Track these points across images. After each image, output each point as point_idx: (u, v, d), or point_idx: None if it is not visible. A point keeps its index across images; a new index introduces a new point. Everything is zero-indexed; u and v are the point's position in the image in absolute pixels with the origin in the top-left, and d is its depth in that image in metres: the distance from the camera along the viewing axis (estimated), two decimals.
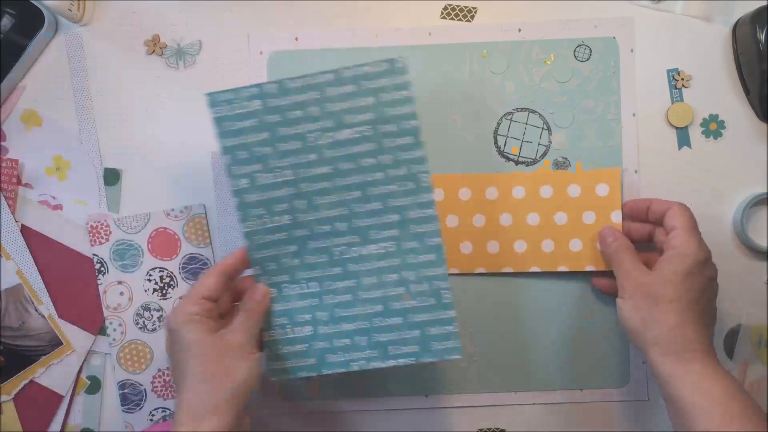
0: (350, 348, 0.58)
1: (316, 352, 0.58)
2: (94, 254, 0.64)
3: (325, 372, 0.58)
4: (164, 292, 0.65)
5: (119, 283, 0.65)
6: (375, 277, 0.58)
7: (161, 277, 0.65)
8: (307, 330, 0.58)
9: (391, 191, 0.57)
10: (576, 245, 0.63)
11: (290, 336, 0.58)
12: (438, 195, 0.64)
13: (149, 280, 0.65)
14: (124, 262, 0.65)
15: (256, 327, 0.56)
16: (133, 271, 0.65)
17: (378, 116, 0.56)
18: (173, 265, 0.65)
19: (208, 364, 0.52)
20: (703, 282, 0.55)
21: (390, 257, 0.58)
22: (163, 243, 0.65)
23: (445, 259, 0.57)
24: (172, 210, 0.65)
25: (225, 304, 0.58)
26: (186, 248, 0.65)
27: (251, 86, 0.56)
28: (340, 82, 0.56)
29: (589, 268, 0.63)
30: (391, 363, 0.58)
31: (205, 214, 0.65)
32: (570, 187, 0.63)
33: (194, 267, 0.65)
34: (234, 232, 0.65)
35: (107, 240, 0.64)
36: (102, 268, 0.65)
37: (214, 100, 0.57)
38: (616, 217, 0.63)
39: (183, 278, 0.65)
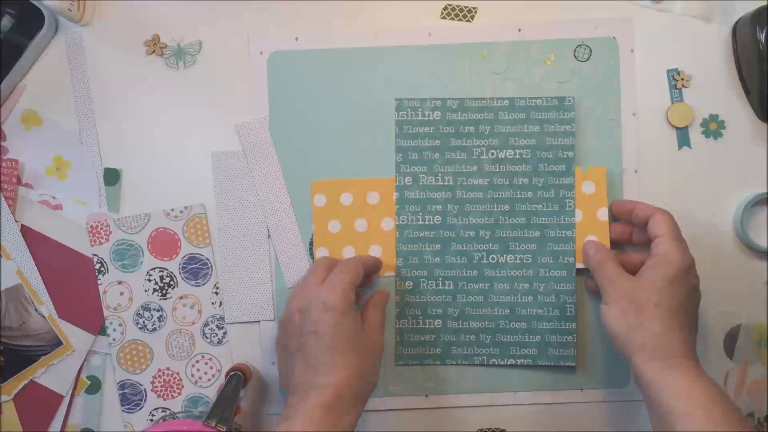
0: (474, 344, 0.64)
1: (442, 344, 0.64)
2: (94, 254, 0.64)
3: (448, 362, 0.64)
4: (164, 292, 0.65)
5: (119, 283, 0.65)
6: (507, 284, 0.64)
7: (161, 277, 0.65)
8: (437, 323, 0.64)
9: (536, 210, 0.63)
10: None
11: (421, 326, 0.64)
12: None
13: (149, 280, 0.65)
14: (124, 262, 0.65)
15: None
16: (133, 271, 0.65)
17: (539, 143, 0.63)
18: (173, 265, 0.65)
19: (363, 360, 0.55)
20: (688, 289, 0.56)
21: (525, 268, 0.63)
22: (163, 243, 0.65)
23: (575, 277, 0.63)
24: (172, 210, 0.65)
25: None
26: (186, 248, 0.65)
27: (436, 98, 0.64)
28: (513, 109, 0.63)
29: (579, 265, 0.63)
30: (510, 362, 0.64)
31: (205, 214, 0.65)
32: None
33: (194, 267, 0.65)
34: (235, 232, 0.65)
35: (107, 240, 0.64)
36: (102, 268, 0.65)
37: (401, 104, 0.64)
38: (603, 214, 0.63)
39: (183, 278, 0.65)
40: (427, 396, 0.65)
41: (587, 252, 0.61)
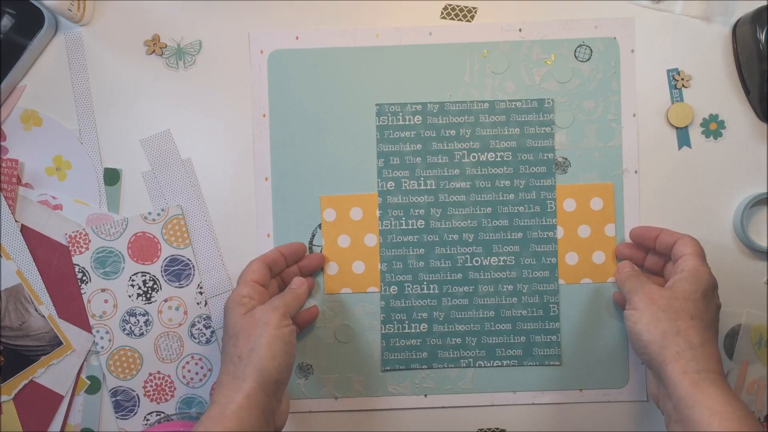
0: (460, 347, 0.64)
1: (428, 348, 0.64)
2: (75, 264, 0.64)
3: (435, 366, 0.64)
4: (148, 296, 0.64)
5: (102, 290, 0.64)
6: (491, 286, 0.64)
7: (144, 282, 0.64)
8: (423, 327, 0.64)
9: (518, 212, 0.64)
10: (572, 259, 0.64)
11: (406, 331, 0.64)
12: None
13: (132, 285, 0.64)
14: (106, 269, 0.64)
15: (290, 305, 0.57)
16: (115, 278, 0.64)
17: (519, 145, 0.64)
18: (155, 269, 0.65)
19: (237, 345, 0.54)
20: (716, 308, 0.56)
21: (508, 270, 0.64)
22: (143, 247, 0.64)
23: (557, 277, 0.64)
24: (149, 213, 0.65)
25: (273, 291, 0.61)
26: (167, 251, 0.65)
27: (416, 103, 0.64)
28: (493, 112, 0.64)
29: (585, 281, 0.64)
30: (496, 364, 0.64)
31: (183, 215, 0.65)
32: (565, 201, 0.64)
33: (176, 269, 0.65)
34: (215, 234, 0.65)
35: (87, 249, 0.64)
36: (84, 277, 0.64)
37: (382, 109, 0.64)
38: (610, 230, 0.64)
39: (166, 281, 0.64)
40: (426, 396, 0.65)
41: (622, 267, 0.62)
